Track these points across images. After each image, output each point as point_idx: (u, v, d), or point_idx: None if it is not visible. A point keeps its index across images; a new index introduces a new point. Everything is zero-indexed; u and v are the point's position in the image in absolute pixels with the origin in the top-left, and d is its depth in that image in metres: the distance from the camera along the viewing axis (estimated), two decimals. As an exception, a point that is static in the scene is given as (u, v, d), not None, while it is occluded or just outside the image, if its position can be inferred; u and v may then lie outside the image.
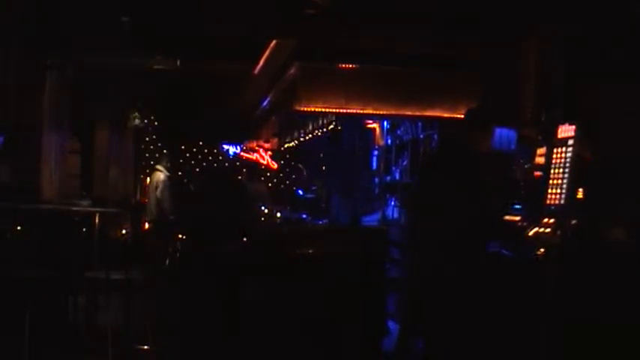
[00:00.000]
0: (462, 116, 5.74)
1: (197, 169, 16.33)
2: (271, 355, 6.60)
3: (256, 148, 14.95)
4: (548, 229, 5.13)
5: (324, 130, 9.53)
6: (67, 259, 7.04)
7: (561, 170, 5.20)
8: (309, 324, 6.66)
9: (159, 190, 11.51)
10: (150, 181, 12.13)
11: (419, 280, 5.55)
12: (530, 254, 5.16)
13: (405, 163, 10.14)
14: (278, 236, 7.86)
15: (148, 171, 14.25)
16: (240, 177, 11.87)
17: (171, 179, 11.78)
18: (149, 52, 10.98)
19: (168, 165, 11.87)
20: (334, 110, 8.26)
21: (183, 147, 16.51)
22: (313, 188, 12.95)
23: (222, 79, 12.07)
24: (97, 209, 7.75)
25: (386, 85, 8.17)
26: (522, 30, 6.76)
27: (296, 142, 10.98)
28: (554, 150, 5.31)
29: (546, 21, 6.40)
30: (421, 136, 9.62)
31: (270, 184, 15.67)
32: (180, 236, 8.00)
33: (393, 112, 8.44)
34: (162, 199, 11.45)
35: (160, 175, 11.69)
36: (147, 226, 11.75)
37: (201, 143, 16.66)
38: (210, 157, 16.72)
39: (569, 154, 5.17)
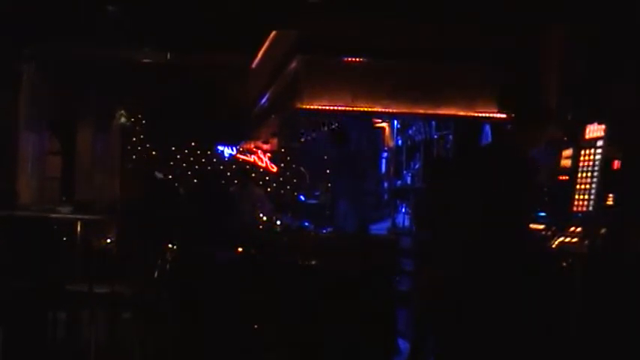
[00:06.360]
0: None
1: (188, 173, 16.32)
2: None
3: (254, 149, 14.96)
4: (574, 239, 5.13)
5: (328, 129, 9.55)
6: (45, 271, 7.05)
7: (589, 174, 5.20)
8: (311, 344, 6.66)
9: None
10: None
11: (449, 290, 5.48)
12: (555, 266, 5.16)
13: (417, 166, 10.14)
14: (277, 246, 7.86)
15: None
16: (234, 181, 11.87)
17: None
18: (137, 44, 11.00)
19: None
20: (340, 108, 8.26)
21: (173, 148, 16.51)
22: (316, 193, 12.96)
23: (217, 74, 12.09)
24: (79, 216, 7.77)
25: (396, 81, 8.17)
26: (545, 27, 6.77)
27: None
28: (582, 152, 5.32)
29: (570, 18, 6.42)
30: (435, 137, 9.62)
31: (269, 189, 15.65)
32: (170, 246, 8.00)
33: (404, 111, 8.43)
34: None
35: None
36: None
37: (193, 144, 16.66)
38: (203, 160, 16.72)
39: (597, 157, 5.18)
